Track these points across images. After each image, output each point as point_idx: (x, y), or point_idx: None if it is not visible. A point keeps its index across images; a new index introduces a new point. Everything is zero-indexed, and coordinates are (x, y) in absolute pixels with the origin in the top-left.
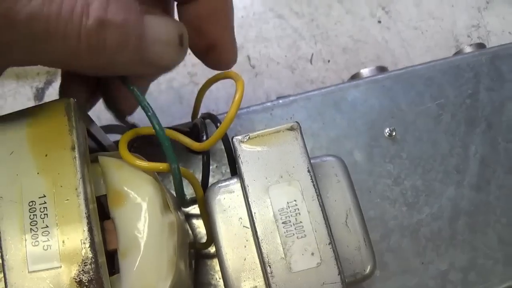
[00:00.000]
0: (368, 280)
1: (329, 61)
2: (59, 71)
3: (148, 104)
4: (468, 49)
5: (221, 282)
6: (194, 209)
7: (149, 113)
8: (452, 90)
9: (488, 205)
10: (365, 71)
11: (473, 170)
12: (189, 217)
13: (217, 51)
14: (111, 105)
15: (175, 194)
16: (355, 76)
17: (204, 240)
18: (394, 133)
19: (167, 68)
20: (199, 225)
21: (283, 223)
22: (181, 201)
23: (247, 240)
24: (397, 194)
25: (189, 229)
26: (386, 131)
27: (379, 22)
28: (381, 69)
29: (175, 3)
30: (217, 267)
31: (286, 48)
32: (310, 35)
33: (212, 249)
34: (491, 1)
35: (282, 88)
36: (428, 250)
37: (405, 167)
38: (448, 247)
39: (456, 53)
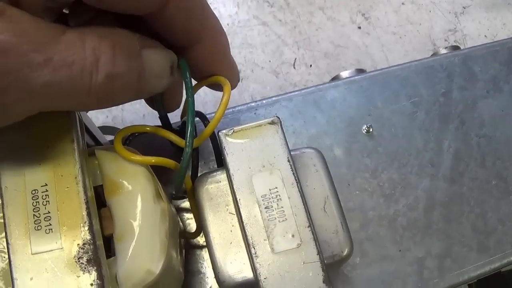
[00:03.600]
0: (349, 267)
1: (311, 65)
2: None
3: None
4: (443, 51)
5: (209, 270)
6: (184, 203)
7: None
8: (426, 89)
9: (461, 196)
10: (344, 73)
11: (446, 164)
12: (179, 210)
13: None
14: (156, 104)
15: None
16: (335, 78)
17: (193, 231)
18: (371, 130)
19: (157, 92)
20: (189, 217)
21: (265, 208)
22: (178, 190)
23: (232, 225)
24: (375, 187)
25: (179, 220)
26: (364, 127)
27: (359, 28)
28: (360, 71)
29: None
30: (206, 256)
31: (270, 54)
32: (293, 41)
33: (201, 240)
34: (467, 6)
35: (266, 91)
36: (405, 239)
37: (382, 161)
38: (424, 236)
39: (432, 56)
